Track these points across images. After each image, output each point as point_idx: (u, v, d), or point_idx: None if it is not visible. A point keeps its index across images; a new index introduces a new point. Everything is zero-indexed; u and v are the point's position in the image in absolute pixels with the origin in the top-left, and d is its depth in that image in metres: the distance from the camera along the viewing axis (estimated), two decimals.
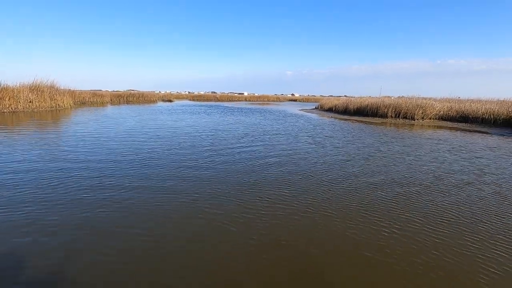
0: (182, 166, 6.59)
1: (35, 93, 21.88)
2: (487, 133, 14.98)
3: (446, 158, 8.34)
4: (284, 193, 5.06)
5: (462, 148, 10.07)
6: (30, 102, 21.12)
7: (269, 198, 4.79)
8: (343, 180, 5.96)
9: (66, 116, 18.48)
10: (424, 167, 7.21)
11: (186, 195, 4.81)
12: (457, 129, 16.76)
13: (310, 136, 11.98)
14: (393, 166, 7.27)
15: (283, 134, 12.40)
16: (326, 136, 12.14)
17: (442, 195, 5.23)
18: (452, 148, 10.09)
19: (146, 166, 6.50)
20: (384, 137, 12.33)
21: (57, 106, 23.65)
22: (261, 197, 4.82)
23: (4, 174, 5.62)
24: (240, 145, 9.53)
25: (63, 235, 3.45)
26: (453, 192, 5.39)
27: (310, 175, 6.23)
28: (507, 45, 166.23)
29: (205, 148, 8.85)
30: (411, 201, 4.90)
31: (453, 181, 6.12)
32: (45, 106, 22.31)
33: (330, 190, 5.30)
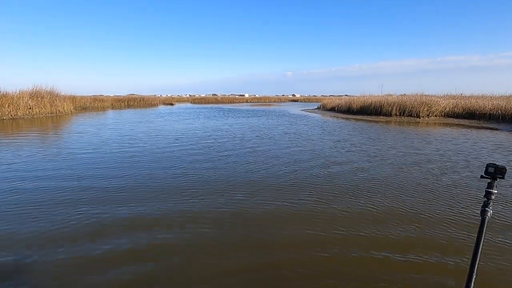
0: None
1: (35, 99, 21.74)
2: (496, 129, 14.59)
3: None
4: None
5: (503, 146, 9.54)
6: (30, 108, 20.97)
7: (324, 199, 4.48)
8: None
9: (66, 121, 18.27)
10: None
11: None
12: (466, 126, 16.36)
13: (328, 136, 11.67)
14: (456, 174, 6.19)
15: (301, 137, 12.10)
16: (346, 135, 11.82)
17: None
18: (496, 147, 9.28)
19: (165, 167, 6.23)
20: (404, 135, 11.97)
21: (57, 112, 23.50)
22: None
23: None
24: (251, 145, 9.24)
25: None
26: None
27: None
28: (507, 41, 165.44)
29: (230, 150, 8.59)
30: None
31: None
32: (45, 112, 22.16)
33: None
